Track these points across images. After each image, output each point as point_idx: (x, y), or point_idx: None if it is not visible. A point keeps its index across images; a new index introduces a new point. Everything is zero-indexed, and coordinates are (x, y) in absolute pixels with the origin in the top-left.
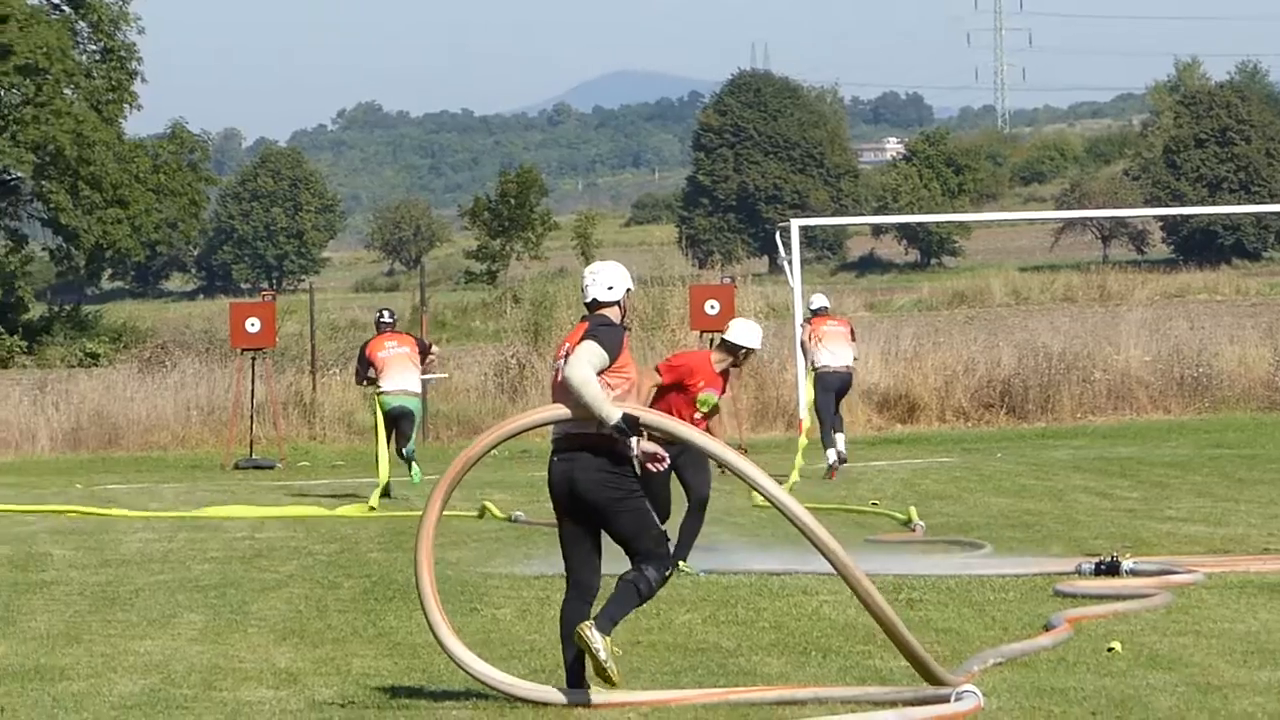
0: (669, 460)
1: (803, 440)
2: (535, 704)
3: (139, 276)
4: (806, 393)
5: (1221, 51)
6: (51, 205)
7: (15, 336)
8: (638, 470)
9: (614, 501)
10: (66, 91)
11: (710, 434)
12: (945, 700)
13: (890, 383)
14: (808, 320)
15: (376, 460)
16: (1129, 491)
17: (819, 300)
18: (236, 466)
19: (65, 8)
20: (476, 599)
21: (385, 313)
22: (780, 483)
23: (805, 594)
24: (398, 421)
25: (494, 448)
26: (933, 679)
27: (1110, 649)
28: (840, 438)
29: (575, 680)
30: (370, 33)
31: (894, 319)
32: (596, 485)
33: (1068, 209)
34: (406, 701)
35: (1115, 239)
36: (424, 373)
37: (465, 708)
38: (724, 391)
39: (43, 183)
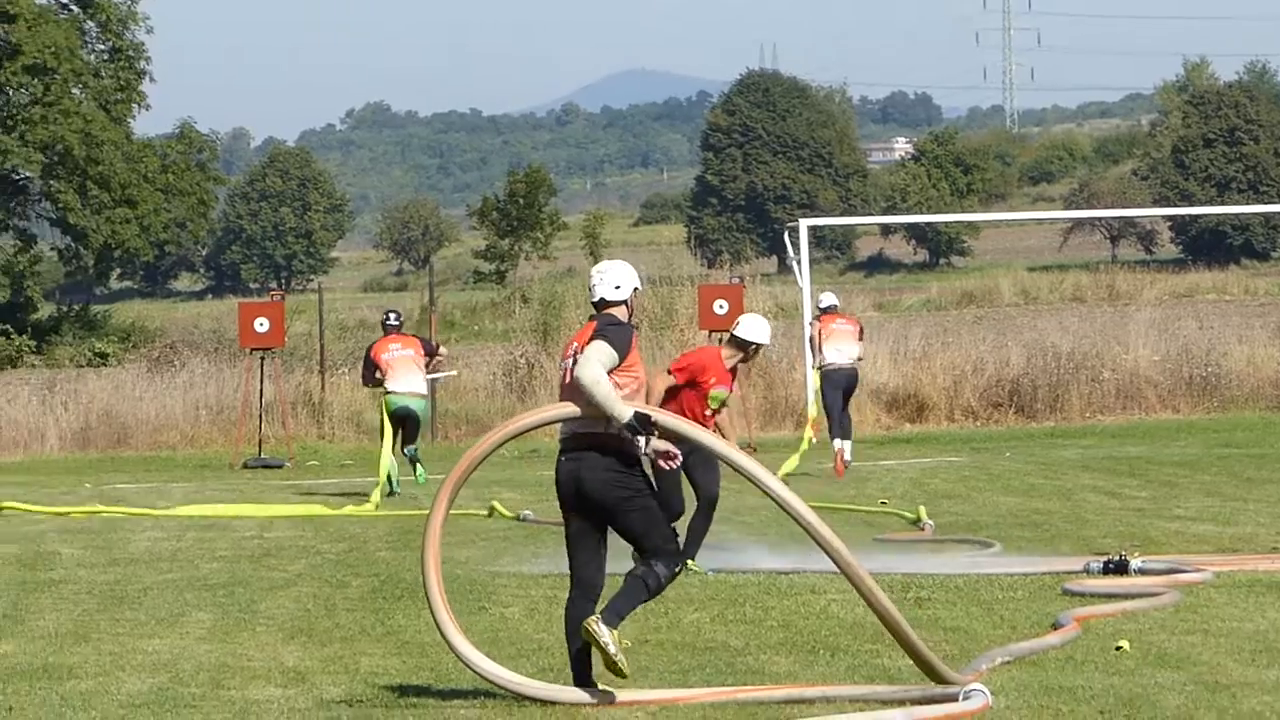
0: (681, 458)
1: (808, 433)
2: (543, 703)
3: (148, 276)
4: (814, 384)
5: (1230, 51)
6: (60, 205)
7: (24, 336)
8: (648, 469)
9: (622, 501)
10: (75, 91)
11: (720, 431)
12: (953, 699)
13: (899, 382)
14: (817, 318)
15: (384, 461)
16: (1137, 491)
17: (828, 299)
18: (245, 466)
19: (73, 7)
20: (485, 598)
21: (391, 315)
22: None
23: (813, 593)
24: (403, 422)
25: (500, 446)
26: (938, 678)
27: (1118, 648)
28: (848, 445)
29: (582, 678)
30: (378, 33)
31: (903, 319)
32: (604, 485)
33: (1076, 209)
34: (415, 700)
35: (1124, 239)
36: (432, 372)
37: (473, 706)
38: (733, 387)
39: (51, 182)
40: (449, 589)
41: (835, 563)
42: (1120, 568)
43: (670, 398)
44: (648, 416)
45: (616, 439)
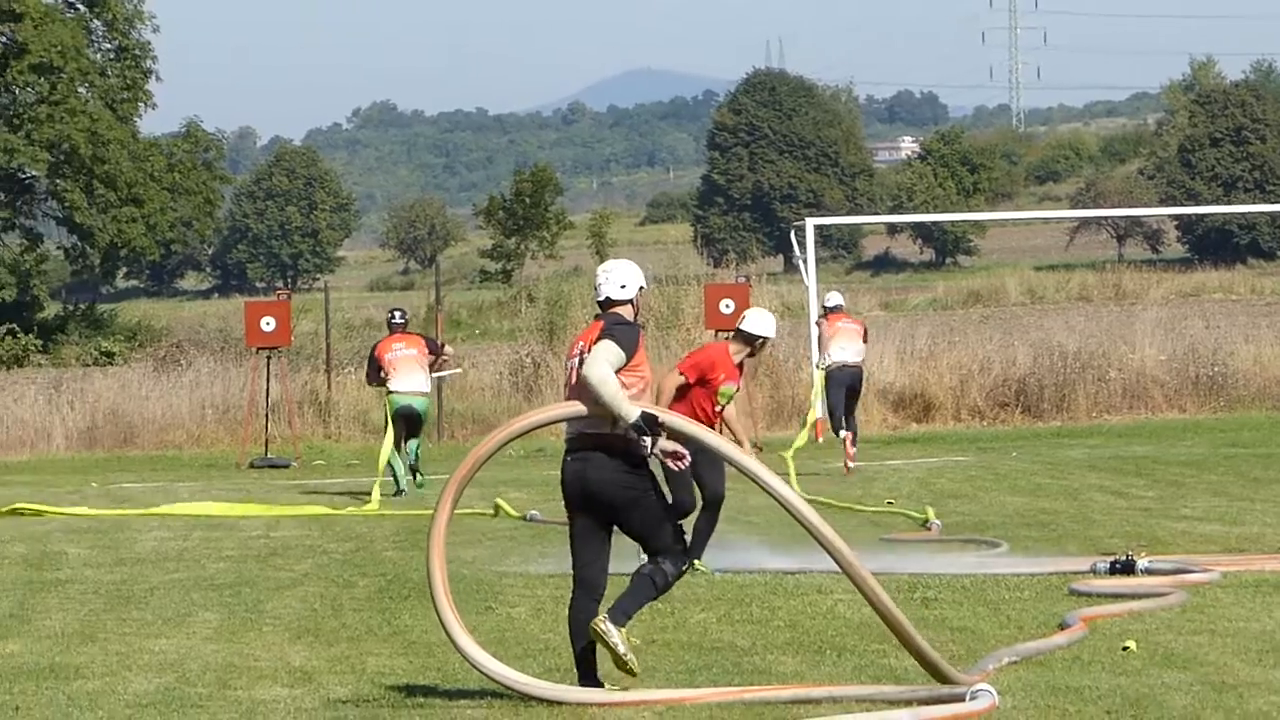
0: (689, 459)
1: (804, 432)
2: (549, 703)
3: (154, 275)
4: (818, 383)
5: (1236, 50)
6: (66, 204)
7: (30, 335)
8: (655, 468)
9: (630, 502)
10: (81, 90)
11: (728, 425)
12: (960, 699)
13: (905, 382)
14: (823, 315)
15: (384, 456)
16: (1144, 490)
17: (835, 298)
18: (252, 465)
19: (80, 6)
20: (491, 598)
21: (397, 313)
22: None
23: (820, 593)
24: (407, 421)
25: (505, 445)
26: (943, 678)
27: (1125, 648)
28: (852, 450)
29: (587, 678)
30: (385, 32)
31: (909, 318)
32: (612, 485)
33: (1083, 208)
34: (421, 700)
35: (1130, 238)
36: (436, 370)
37: (480, 706)
38: (740, 383)
39: (57, 181)
40: (455, 589)
41: (838, 564)
42: (1127, 568)
43: (680, 396)
44: (654, 417)
45: (623, 439)
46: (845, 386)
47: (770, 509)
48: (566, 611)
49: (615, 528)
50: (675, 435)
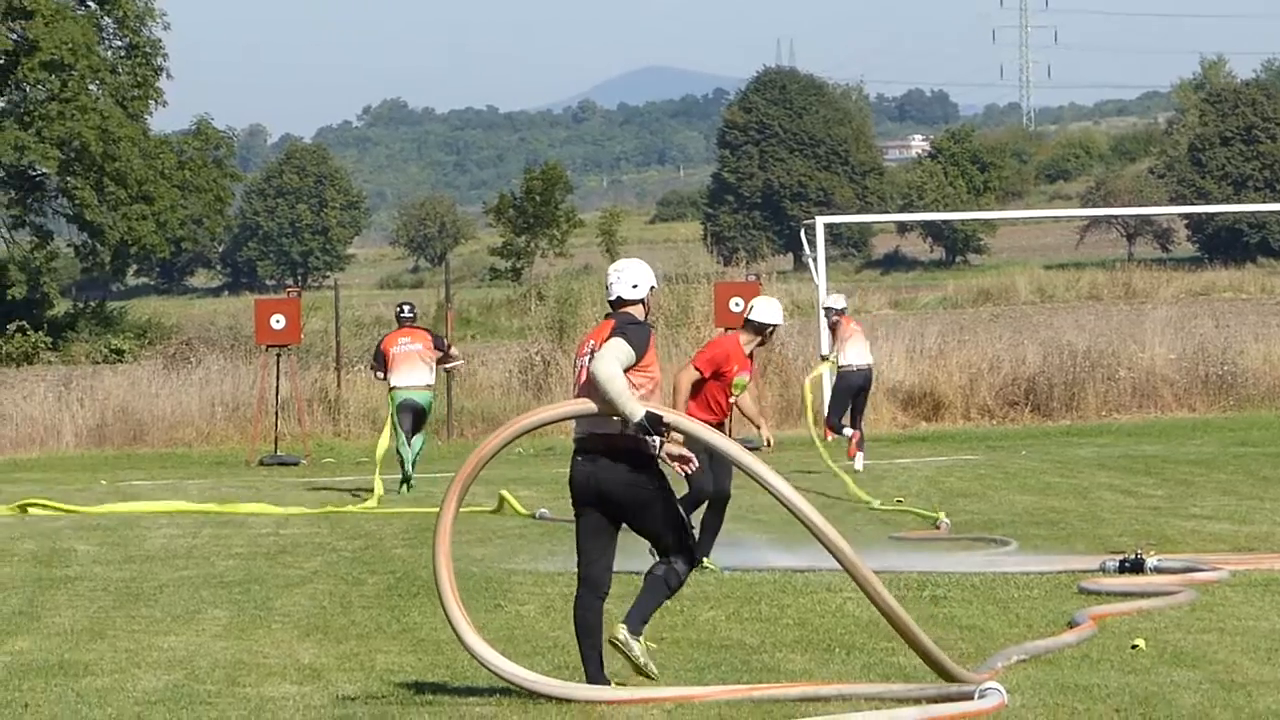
0: (696, 463)
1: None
2: (558, 700)
3: (164, 273)
4: (829, 379)
5: (1247, 49)
6: (77, 201)
7: (40, 333)
8: (664, 466)
9: (641, 502)
10: (92, 87)
11: (743, 414)
12: (969, 697)
13: (915, 380)
14: (841, 313)
15: (381, 449)
16: (1154, 489)
17: (842, 300)
18: (261, 463)
19: (91, 3)
20: (500, 595)
21: (405, 307)
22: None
23: (829, 591)
24: (412, 414)
25: (512, 442)
26: (949, 676)
27: (1134, 646)
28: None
29: (595, 676)
30: (395, 30)
31: (919, 316)
32: (622, 486)
33: (1093, 207)
34: (430, 698)
35: (1140, 237)
36: (441, 364)
37: (489, 704)
38: (752, 371)
39: (68, 179)
40: (464, 586)
41: (840, 563)
42: (1136, 566)
43: (694, 391)
44: (659, 416)
45: (633, 440)
46: (861, 388)
47: (779, 507)
48: (572, 609)
49: (624, 525)
50: (682, 435)
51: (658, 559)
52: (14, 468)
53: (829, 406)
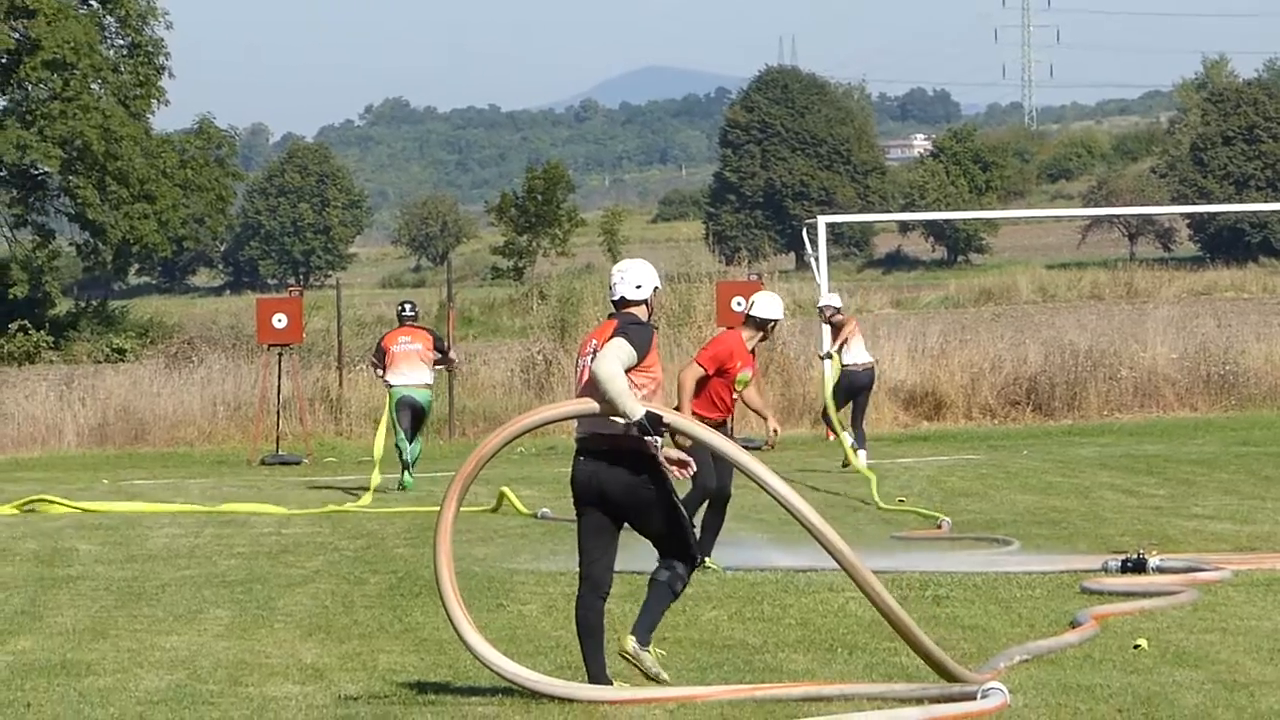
0: (695, 467)
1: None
2: (561, 700)
3: (166, 272)
4: (832, 376)
5: (1249, 49)
6: (79, 200)
7: (42, 332)
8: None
9: (644, 504)
10: (94, 86)
11: (750, 407)
12: (972, 697)
13: (917, 380)
14: (839, 311)
15: (379, 445)
16: (1155, 489)
17: (838, 299)
18: (263, 462)
19: (93, 2)
20: (502, 595)
21: (407, 305)
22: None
23: (831, 590)
24: (411, 412)
25: (513, 441)
26: (950, 676)
27: (1136, 646)
28: (861, 452)
29: (597, 676)
30: (397, 29)
31: (921, 316)
32: (625, 488)
33: (1095, 206)
34: (433, 697)
35: (1142, 236)
36: (439, 364)
37: (491, 704)
38: (754, 367)
39: (70, 178)
40: (466, 586)
41: (839, 563)
42: (1138, 566)
43: (698, 388)
44: (659, 416)
45: (636, 440)
46: (865, 386)
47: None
48: (574, 609)
49: (625, 525)
50: (681, 435)
51: (660, 565)
52: (15, 467)
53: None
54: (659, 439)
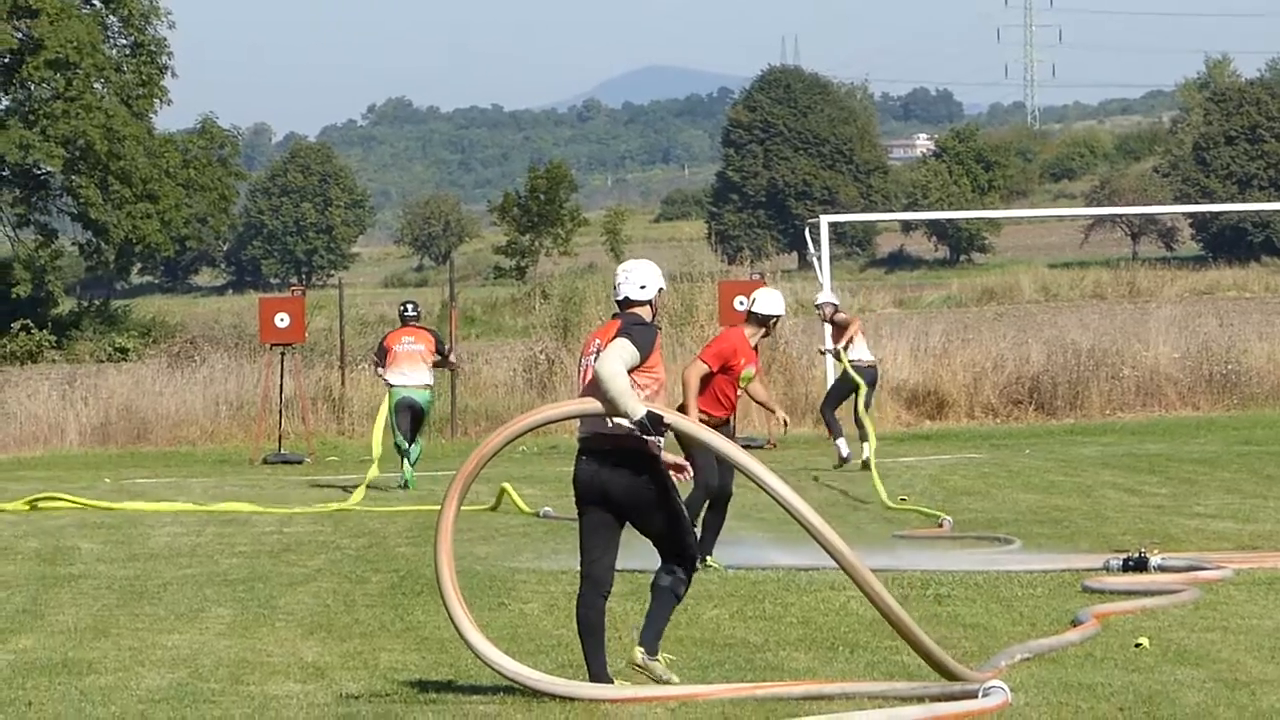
0: (692, 472)
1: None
2: (562, 699)
3: (168, 271)
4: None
5: (1252, 49)
6: (81, 200)
7: (44, 331)
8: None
9: (647, 504)
10: (97, 86)
11: (757, 402)
12: (973, 696)
13: (919, 379)
14: (839, 311)
15: (376, 443)
16: (1157, 488)
17: (835, 297)
18: (265, 462)
19: (96, 2)
20: (504, 594)
21: (409, 306)
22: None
23: (832, 589)
24: (411, 413)
25: (514, 440)
26: (950, 675)
27: (1138, 645)
28: (845, 443)
29: (598, 674)
30: (400, 29)
31: (923, 315)
32: (628, 488)
33: (1097, 206)
34: (434, 696)
35: (1145, 236)
36: (439, 365)
37: (493, 702)
38: (757, 363)
39: (72, 177)
40: (468, 585)
41: (839, 563)
42: (1140, 565)
43: (702, 386)
44: (659, 416)
45: (639, 441)
46: (871, 384)
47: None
48: (575, 607)
49: (627, 524)
50: (680, 435)
51: (661, 569)
52: (18, 466)
53: (826, 398)
54: (660, 439)
